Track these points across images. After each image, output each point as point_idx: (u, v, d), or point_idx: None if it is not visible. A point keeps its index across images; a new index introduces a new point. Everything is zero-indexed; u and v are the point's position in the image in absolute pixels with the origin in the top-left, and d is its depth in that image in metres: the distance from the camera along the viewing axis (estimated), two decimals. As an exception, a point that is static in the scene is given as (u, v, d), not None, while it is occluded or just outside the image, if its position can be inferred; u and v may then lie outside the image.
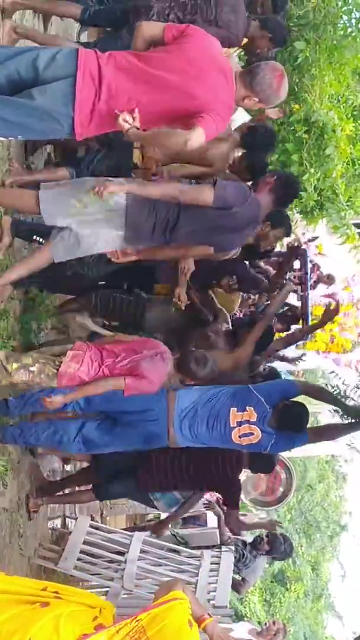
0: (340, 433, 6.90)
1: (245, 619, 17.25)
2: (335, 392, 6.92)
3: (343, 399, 6.86)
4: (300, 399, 6.65)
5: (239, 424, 6.39)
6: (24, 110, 4.77)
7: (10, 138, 5.07)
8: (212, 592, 7.51)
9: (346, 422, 6.74)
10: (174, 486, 7.38)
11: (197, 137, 4.87)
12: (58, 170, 7.24)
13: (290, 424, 6.48)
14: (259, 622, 13.36)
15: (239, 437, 6.42)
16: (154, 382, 5.88)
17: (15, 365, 5.56)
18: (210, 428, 6.41)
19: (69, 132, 4.89)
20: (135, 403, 6.28)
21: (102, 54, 4.90)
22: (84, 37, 8.66)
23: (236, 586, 9.43)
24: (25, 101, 4.78)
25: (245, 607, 20.49)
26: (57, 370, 5.61)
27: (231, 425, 6.40)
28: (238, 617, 16.25)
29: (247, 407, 6.38)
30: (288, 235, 7.47)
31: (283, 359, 12.12)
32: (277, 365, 12.69)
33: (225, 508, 7.87)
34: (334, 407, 6.83)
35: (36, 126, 4.85)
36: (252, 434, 6.39)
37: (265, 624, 8.59)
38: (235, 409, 6.41)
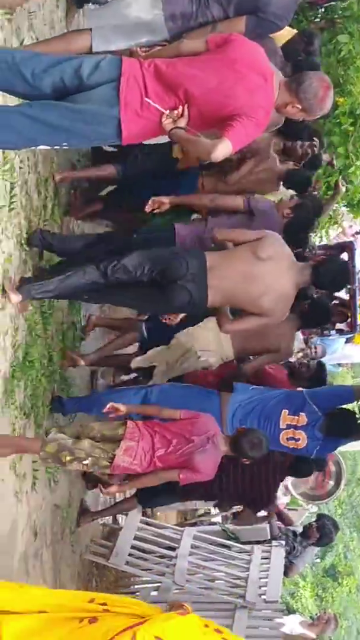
0: None
1: (297, 613, 17.24)
2: None
3: None
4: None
5: (288, 426, 6.43)
6: (70, 115, 4.78)
7: (56, 147, 5.08)
8: (264, 587, 7.51)
9: None
10: (215, 497, 7.51)
11: (222, 149, 4.90)
12: (106, 167, 7.30)
13: (340, 431, 6.53)
14: (311, 617, 13.31)
15: (287, 439, 6.47)
16: (208, 473, 5.87)
17: (68, 458, 5.57)
18: (260, 427, 6.43)
19: (115, 135, 4.90)
20: (192, 403, 6.36)
21: (144, 61, 4.95)
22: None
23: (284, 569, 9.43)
24: (71, 105, 4.80)
25: (297, 602, 20.47)
26: (111, 463, 5.63)
27: (281, 427, 6.44)
28: (290, 611, 16.22)
29: (300, 413, 6.42)
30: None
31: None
32: (326, 358, 12.64)
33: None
34: None
35: (82, 130, 4.84)
36: (299, 439, 6.43)
37: (317, 616, 8.61)
38: (287, 411, 6.47)
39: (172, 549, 7.71)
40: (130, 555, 7.45)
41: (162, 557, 7.73)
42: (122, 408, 5.80)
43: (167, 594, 7.34)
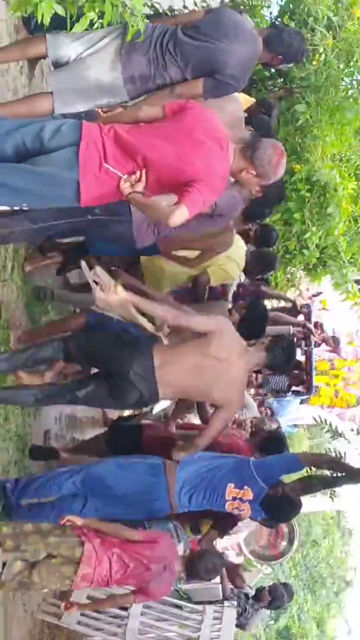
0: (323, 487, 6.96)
1: None
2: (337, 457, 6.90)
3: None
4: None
5: (234, 499, 6.47)
6: (29, 177, 4.93)
7: (15, 207, 5.17)
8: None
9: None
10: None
11: (178, 215, 5.01)
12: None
13: (274, 514, 6.63)
14: None
15: (232, 509, 6.52)
16: (162, 595, 6.20)
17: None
18: (206, 499, 6.50)
19: (74, 197, 5.02)
20: (136, 486, 6.45)
21: (104, 126, 5.10)
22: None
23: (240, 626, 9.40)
24: (30, 167, 4.93)
25: (250, 664, 20.29)
26: (71, 583, 5.73)
27: (226, 499, 6.49)
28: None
29: (245, 487, 6.45)
30: None
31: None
32: (282, 420, 12.75)
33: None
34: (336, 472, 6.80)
35: (41, 192, 4.98)
36: (243, 509, 6.49)
37: None
38: (233, 485, 6.48)
39: (125, 608, 7.69)
40: (82, 614, 7.43)
41: (114, 617, 7.71)
42: (79, 522, 5.82)
43: (118, 654, 7.33)
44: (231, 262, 7.87)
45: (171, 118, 5.28)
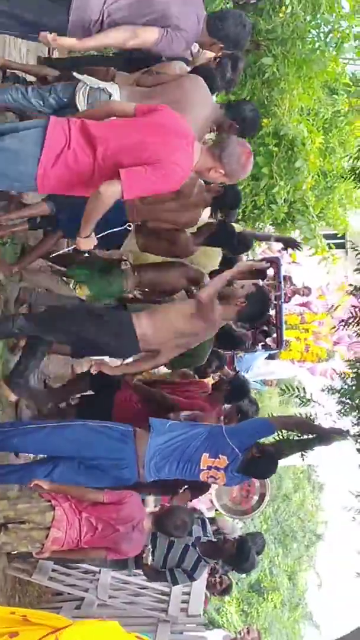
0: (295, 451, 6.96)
1: (223, 628, 17.26)
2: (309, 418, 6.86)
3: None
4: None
5: (209, 467, 6.46)
6: None
7: None
8: (185, 603, 7.58)
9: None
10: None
11: (108, 187, 4.94)
12: (39, 204, 7.30)
13: (256, 473, 6.67)
14: (236, 632, 13.34)
15: (207, 477, 6.52)
16: (135, 552, 6.22)
17: None
18: (180, 469, 6.46)
19: (33, 175, 5.01)
20: (105, 451, 6.38)
21: (72, 118, 5.19)
22: (56, 53, 8.73)
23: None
24: None
25: (222, 617, 20.50)
26: (42, 547, 5.72)
27: (201, 468, 6.46)
28: (215, 626, 16.25)
29: (220, 455, 6.44)
30: None
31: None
32: (251, 374, 12.75)
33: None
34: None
35: (3, 169, 5.01)
36: (218, 478, 6.49)
37: (240, 632, 8.58)
38: (208, 454, 6.43)
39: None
40: (53, 570, 7.46)
41: (85, 572, 7.75)
42: (46, 486, 5.86)
43: (90, 609, 7.37)
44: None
45: (140, 117, 5.29)
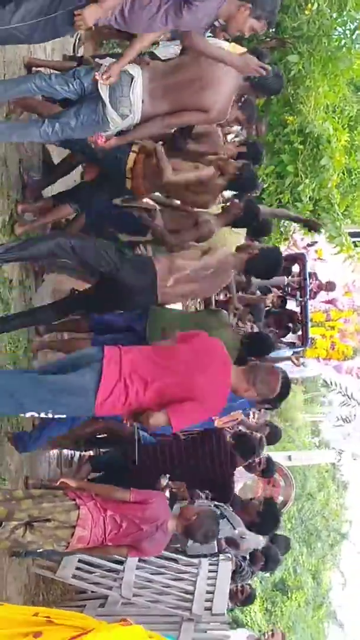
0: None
1: (247, 627, 17.24)
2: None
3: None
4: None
5: None
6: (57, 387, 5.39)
7: (41, 415, 5.53)
8: (209, 602, 7.55)
9: None
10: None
11: (157, 418, 5.34)
12: (62, 208, 7.33)
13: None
14: (260, 631, 13.29)
15: None
16: (155, 553, 6.47)
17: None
18: None
19: (91, 407, 5.38)
20: None
21: (123, 347, 5.57)
22: (81, 51, 8.74)
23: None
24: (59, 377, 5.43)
25: (245, 616, 20.48)
26: (67, 545, 5.73)
27: None
28: (239, 625, 16.24)
29: None
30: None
31: None
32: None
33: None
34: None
35: (65, 401, 5.39)
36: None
37: (264, 634, 8.59)
38: None
39: (120, 562, 7.71)
40: (77, 568, 7.45)
41: (109, 570, 7.73)
42: (73, 484, 5.92)
43: (114, 608, 7.36)
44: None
45: (181, 344, 5.69)
